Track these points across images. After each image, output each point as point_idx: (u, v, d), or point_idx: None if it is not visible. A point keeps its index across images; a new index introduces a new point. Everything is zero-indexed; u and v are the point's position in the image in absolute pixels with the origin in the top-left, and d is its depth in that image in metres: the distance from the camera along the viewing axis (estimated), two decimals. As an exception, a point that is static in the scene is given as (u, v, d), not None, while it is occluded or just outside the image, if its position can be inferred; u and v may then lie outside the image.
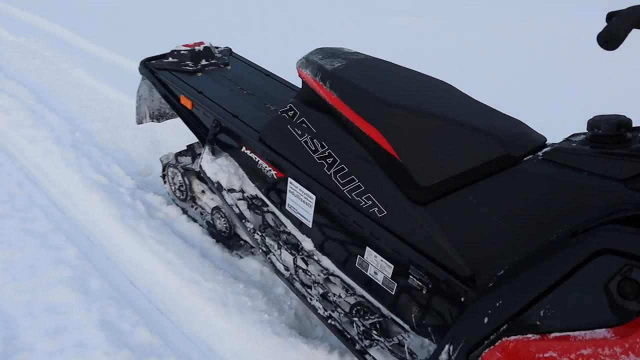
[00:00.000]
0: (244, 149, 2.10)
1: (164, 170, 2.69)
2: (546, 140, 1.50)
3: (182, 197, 2.65)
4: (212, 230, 2.45)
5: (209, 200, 2.54)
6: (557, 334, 1.12)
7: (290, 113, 1.87)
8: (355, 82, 1.69)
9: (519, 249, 1.37)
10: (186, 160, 2.57)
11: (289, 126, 1.86)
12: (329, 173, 1.76)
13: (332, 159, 1.74)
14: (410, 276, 1.61)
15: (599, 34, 1.06)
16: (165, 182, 2.72)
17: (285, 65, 3.46)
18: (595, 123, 1.30)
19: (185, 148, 2.66)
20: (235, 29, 5.26)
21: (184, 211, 2.62)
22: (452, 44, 5.00)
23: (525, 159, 1.41)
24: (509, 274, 1.35)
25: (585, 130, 1.42)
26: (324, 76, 1.75)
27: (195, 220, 2.55)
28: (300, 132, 1.83)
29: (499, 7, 6.32)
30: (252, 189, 2.10)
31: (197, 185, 2.58)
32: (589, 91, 4.00)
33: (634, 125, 1.34)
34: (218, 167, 2.09)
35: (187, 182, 2.58)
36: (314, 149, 1.79)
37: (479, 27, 5.51)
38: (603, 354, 1.03)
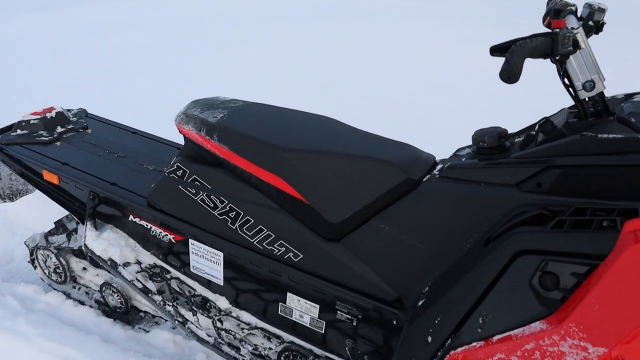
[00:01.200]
0: (131, 217, 1.97)
1: (32, 254, 2.42)
2: (435, 158, 1.62)
3: (60, 279, 2.40)
4: (105, 309, 2.26)
5: (93, 277, 2.34)
6: (500, 336, 1.22)
7: (179, 172, 1.80)
8: (244, 132, 1.68)
9: (437, 264, 1.46)
10: (59, 239, 2.34)
11: (180, 186, 1.79)
12: (234, 227, 1.72)
13: (234, 212, 1.71)
14: (338, 312, 1.63)
15: (500, 72, 1.18)
16: (35, 267, 2.45)
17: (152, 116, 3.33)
18: (479, 137, 1.44)
19: (53, 226, 2.42)
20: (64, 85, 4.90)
21: (67, 295, 2.37)
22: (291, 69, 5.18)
23: (424, 179, 1.51)
24: (434, 289, 1.44)
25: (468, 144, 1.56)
26: (210, 130, 1.71)
27: (82, 303, 2.33)
28: (194, 191, 1.77)
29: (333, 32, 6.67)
30: (149, 258, 1.98)
31: (77, 263, 2.36)
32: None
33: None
34: (106, 243, 1.94)
35: (63, 262, 2.35)
36: (212, 205, 1.74)
37: (323, 53, 5.77)
38: (545, 344, 1.15)
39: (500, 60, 1.24)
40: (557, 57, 1.23)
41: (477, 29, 6.30)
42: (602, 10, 1.42)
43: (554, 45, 1.20)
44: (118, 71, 5.13)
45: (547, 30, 1.31)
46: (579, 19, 1.44)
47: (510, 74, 1.16)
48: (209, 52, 5.67)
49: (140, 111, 3.98)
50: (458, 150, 1.58)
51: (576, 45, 1.22)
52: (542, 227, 1.24)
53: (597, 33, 1.48)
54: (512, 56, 1.16)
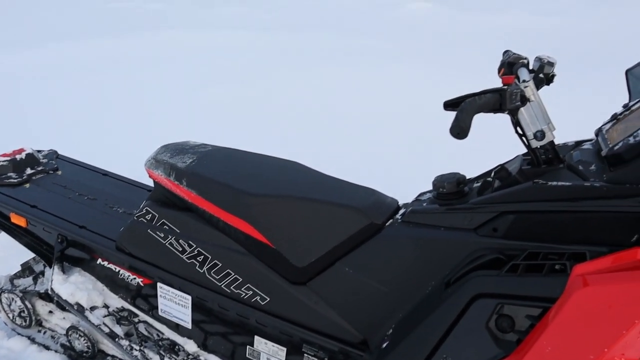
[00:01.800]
0: (99, 260, 1.97)
1: (-4, 298, 2.38)
2: (398, 202, 1.67)
3: (25, 324, 2.36)
4: (72, 354, 2.22)
5: (60, 321, 2.30)
6: None
7: (148, 217, 1.81)
8: (212, 177, 1.71)
9: (400, 306, 1.50)
10: (25, 282, 2.31)
11: (149, 230, 1.80)
12: (202, 271, 1.73)
13: (202, 256, 1.73)
14: (305, 354, 1.65)
15: (450, 128, 1.24)
16: (-1, 311, 2.40)
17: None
18: (439, 183, 1.50)
19: (19, 268, 2.39)
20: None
21: (32, 340, 2.33)
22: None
23: (387, 224, 1.56)
24: (397, 331, 1.47)
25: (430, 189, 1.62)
26: (179, 175, 1.75)
27: (48, 348, 2.29)
28: (163, 235, 1.78)
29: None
30: (116, 302, 1.97)
31: (43, 307, 2.33)
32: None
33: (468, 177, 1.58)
34: (74, 287, 1.93)
35: (29, 305, 2.31)
36: (181, 249, 1.76)
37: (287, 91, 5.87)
38: None
39: None
40: (506, 112, 1.30)
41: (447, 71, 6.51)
42: (551, 64, 1.52)
43: (503, 101, 1.27)
44: (92, 112, 5.15)
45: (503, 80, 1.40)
46: (531, 71, 1.53)
47: (459, 130, 1.23)
48: (182, 92, 5.74)
49: (113, 152, 3.99)
50: (420, 195, 1.64)
51: (524, 100, 1.30)
52: (497, 271, 1.29)
53: (548, 84, 1.57)
54: (461, 113, 1.23)
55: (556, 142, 1.41)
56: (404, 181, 3.08)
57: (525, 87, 1.34)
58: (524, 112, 1.34)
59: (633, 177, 1.20)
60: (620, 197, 1.19)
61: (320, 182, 1.73)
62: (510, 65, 1.55)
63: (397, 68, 6.85)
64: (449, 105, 1.30)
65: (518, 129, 1.38)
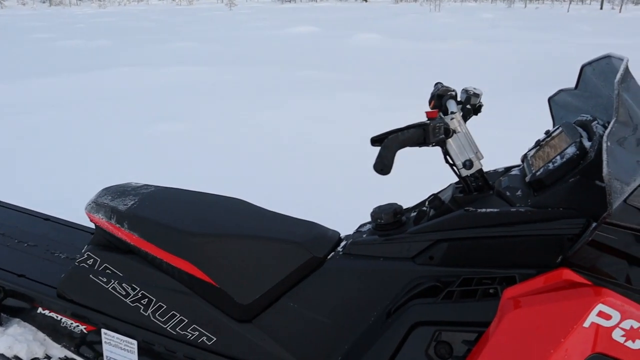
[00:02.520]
0: (40, 309, 1.90)
1: None
2: (340, 234, 1.70)
3: (-37, 381, 2.25)
4: (14, 409, 2.13)
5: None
6: None
7: (90, 261, 1.78)
8: (154, 218, 1.70)
9: (345, 338, 1.51)
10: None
11: (91, 275, 1.77)
12: (146, 314, 1.70)
13: (146, 299, 1.70)
14: None
15: (374, 165, 1.28)
16: None
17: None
18: (376, 214, 1.53)
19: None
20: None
21: (-29, 397, 2.22)
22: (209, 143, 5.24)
23: (329, 257, 1.58)
24: None
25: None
26: (120, 218, 1.73)
27: (-12, 404, 2.18)
28: (105, 279, 1.75)
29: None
30: (59, 351, 1.90)
31: (-18, 362, 2.23)
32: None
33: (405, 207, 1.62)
34: (12, 339, 1.85)
35: (-33, 361, 2.21)
36: (124, 293, 1.73)
37: (226, 131, 5.88)
38: None
39: None
40: (432, 145, 1.35)
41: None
42: (477, 95, 1.59)
43: (426, 135, 1.32)
44: (37, 153, 5.02)
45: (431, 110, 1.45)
46: (459, 102, 1.60)
47: (382, 167, 1.27)
48: (130, 129, 5.68)
49: (55, 193, 3.90)
50: (360, 226, 1.67)
51: (448, 133, 1.35)
52: (435, 299, 1.32)
53: (476, 114, 1.64)
54: (384, 150, 1.27)
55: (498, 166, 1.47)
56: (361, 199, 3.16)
57: (452, 119, 1.40)
58: (452, 143, 1.40)
59: (554, 200, 1.26)
60: (544, 220, 1.25)
61: (262, 218, 1.74)
62: (439, 97, 1.62)
63: (347, 96, 6.98)
64: (375, 141, 1.34)
65: (448, 158, 1.43)
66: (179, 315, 1.67)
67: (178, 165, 4.57)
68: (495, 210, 1.31)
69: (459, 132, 1.40)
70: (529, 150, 1.51)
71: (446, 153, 1.42)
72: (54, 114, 6.32)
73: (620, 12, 28.52)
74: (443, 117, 1.38)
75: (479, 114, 1.64)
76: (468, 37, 14.10)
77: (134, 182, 1.96)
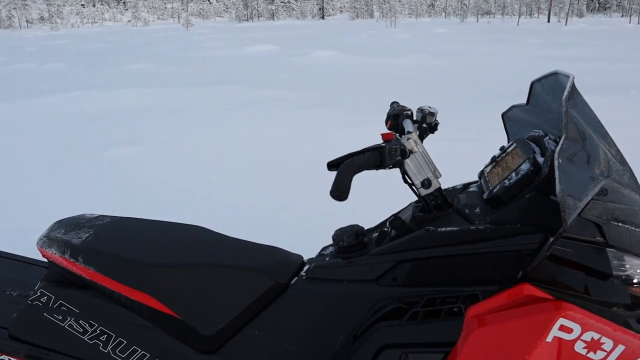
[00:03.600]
0: (-9, 352, 1.81)
1: None
2: (303, 258, 1.68)
3: None
4: None
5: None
6: None
7: (43, 299, 1.70)
8: (110, 251, 1.65)
9: None
10: None
11: (45, 314, 1.69)
12: (106, 351, 1.64)
13: (105, 335, 1.64)
14: None
15: (330, 191, 1.27)
16: None
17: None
18: (338, 237, 1.52)
19: None
20: None
21: None
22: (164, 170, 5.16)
23: (292, 282, 1.56)
24: None
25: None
26: (74, 252, 1.66)
27: None
28: (61, 317, 1.68)
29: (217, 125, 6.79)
30: (13, 396, 1.81)
31: None
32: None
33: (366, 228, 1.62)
34: (-38, 385, 1.76)
35: None
36: (82, 330, 1.66)
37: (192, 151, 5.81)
38: None
39: None
40: (389, 167, 1.35)
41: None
42: (433, 114, 1.61)
43: (383, 158, 1.32)
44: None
45: (387, 131, 1.46)
46: (415, 122, 1.61)
47: (339, 193, 1.26)
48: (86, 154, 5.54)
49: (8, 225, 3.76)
50: (323, 249, 1.66)
51: (405, 154, 1.36)
52: (400, 321, 1.32)
53: (432, 132, 1.66)
54: (339, 176, 1.27)
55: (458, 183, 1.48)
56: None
57: (408, 139, 1.41)
58: (409, 163, 1.40)
59: (511, 217, 1.28)
60: (503, 237, 1.27)
61: (222, 245, 1.71)
62: (395, 117, 1.63)
63: (306, 114, 7.00)
64: (331, 165, 1.33)
65: (406, 178, 1.44)
66: (140, 350, 1.62)
67: (131, 192, 4.47)
68: (455, 228, 1.32)
69: (415, 152, 1.41)
70: (486, 167, 1.53)
71: (404, 173, 1.42)
72: (3, 141, 6.12)
73: (566, 24, 29.66)
74: (399, 138, 1.38)
75: (435, 132, 1.66)
76: (424, 52, 14.40)
77: (89, 214, 1.90)
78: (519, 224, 1.27)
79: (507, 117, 1.72)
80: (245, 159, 5.22)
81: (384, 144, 1.32)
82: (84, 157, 5.50)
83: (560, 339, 1.13)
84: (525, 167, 1.32)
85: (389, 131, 1.35)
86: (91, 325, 1.65)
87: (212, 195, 4.27)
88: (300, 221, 3.70)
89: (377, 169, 1.34)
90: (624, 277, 1.29)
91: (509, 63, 11.84)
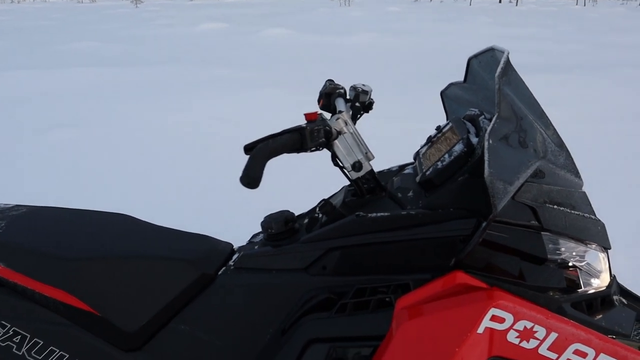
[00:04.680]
0: None
1: None
2: (233, 246, 1.59)
3: None
4: None
5: None
6: None
7: None
8: (22, 244, 1.51)
9: (243, 359, 1.40)
10: None
11: None
12: (20, 353, 1.51)
13: (19, 336, 1.51)
14: None
15: (240, 177, 1.16)
16: None
17: None
18: (267, 224, 1.43)
19: None
20: None
21: None
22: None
23: (220, 272, 1.47)
24: None
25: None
26: None
27: None
28: None
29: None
30: None
31: None
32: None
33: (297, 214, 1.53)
34: None
35: None
36: (-9, 331, 1.52)
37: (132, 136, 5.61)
38: None
39: None
40: (311, 150, 1.26)
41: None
42: (366, 92, 1.52)
43: (303, 140, 1.22)
44: None
45: (320, 111, 1.36)
46: (348, 100, 1.53)
47: (249, 180, 1.15)
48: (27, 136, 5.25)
49: None
50: (253, 236, 1.57)
51: (330, 135, 1.27)
52: (329, 313, 1.24)
53: (367, 111, 1.58)
54: (251, 160, 1.16)
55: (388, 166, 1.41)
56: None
57: (337, 119, 1.32)
58: (338, 145, 1.32)
59: (444, 201, 1.21)
60: (435, 222, 1.20)
61: (147, 235, 1.60)
62: (327, 95, 1.54)
63: (254, 94, 6.84)
64: (248, 149, 1.22)
65: (337, 161, 1.36)
66: (58, 350, 1.50)
67: (69, 175, 4.26)
68: (386, 214, 1.25)
69: (345, 132, 1.32)
70: (421, 147, 1.47)
71: (334, 155, 1.34)
72: None
73: (516, 5, 30.17)
74: (325, 118, 1.29)
75: (370, 111, 1.58)
76: (376, 30, 14.34)
77: (2, 204, 1.74)
78: (451, 209, 1.21)
79: (446, 96, 1.66)
80: (171, 144, 5.02)
81: (305, 125, 1.22)
82: (22, 138, 5.22)
83: (492, 329, 1.08)
84: (458, 148, 1.26)
85: (314, 111, 1.25)
86: (3, 326, 1.52)
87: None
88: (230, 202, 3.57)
89: (297, 152, 1.24)
90: (559, 260, 1.26)
91: (459, 41, 11.92)
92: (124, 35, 14.97)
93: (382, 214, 1.25)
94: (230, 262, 1.48)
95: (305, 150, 1.23)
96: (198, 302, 1.45)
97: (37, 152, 4.84)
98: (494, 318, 1.07)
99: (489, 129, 1.03)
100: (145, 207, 3.61)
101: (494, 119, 1.06)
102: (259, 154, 1.16)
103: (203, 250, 1.51)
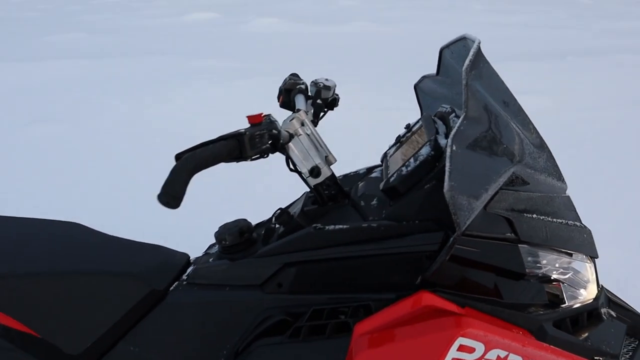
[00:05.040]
0: None
1: None
2: (189, 257, 1.45)
3: None
4: None
5: None
6: None
7: None
8: None
9: None
10: None
11: None
12: None
13: None
14: None
15: (158, 194, 0.98)
16: None
17: None
18: (220, 235, 1.29)
19: None
20: None
21: None
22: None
23: (172, 287, 1.33)
24: None
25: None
26: None
27: None
28: None
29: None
30: None
31: None
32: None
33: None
34: None
35: None
36: None
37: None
38: None
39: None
40: (251, 159, 1.10)
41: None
42: (329, 88, 1.38)
43: (242, 147, 1.05)
44: None
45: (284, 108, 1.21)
46: (309, 97, 1.39)
47: (168, 199, 0.96)
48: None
49: None
50: (210, 246, 1.43)
51: (277, 140, 1.11)
52: (282, 337, 1.11)
53: (331, 109, 1.43)
54: (172, 175, 0.98)
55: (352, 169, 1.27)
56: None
57: (291, 120, 1.18)
58: (293, 148, 1.17)
59: (409, 212, 1.07)
60: (398, 236, 1.06)
61: (96, 247, 1.46)
62: (287, 92, 1.39)
63: (245, 84, 6.68)
64: (179, 158, 1.06)
65: (293, 166, 1.21)
66: None
67: (49, 173, 4.11)
68: (345, 226, 1.11)
69: (300, 134, 1.18)
70: (389, 148, 1.33)
71: (289, 159, 1.20)
72: None
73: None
74: (273, 120, 1.14)
75: (334, 109, 1.44)
76: (368, 19, 14.13)
77: None
78: (417, 221, 1.07)
79: (420, 89, 1.51)
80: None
81: (244, 130, 1.06)
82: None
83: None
84: (425, 151, 1.11)
85: (259, 112, 1.10)
86: None
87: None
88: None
89: (237, 161, 1.08)
90: (540, 274, 1.13)
91: (453, 29, 11.74)
92: (112, 26, 14.70)
93: (340, 226, 1.12)
94: (184, 276, 1.35)
95: (245, 159, 1.07)
96: (148, 321, 1.31)
97: (12, 148, 4.68)
98: (462, 348, 0.94)
99: (452, 132, 0.89)
100: (119, 207, 3.47)
101: (459, 121, 0.92)
102: (183, 166, 0.98)
103: (155, 263, 1.38)
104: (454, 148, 0.87)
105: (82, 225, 1.56)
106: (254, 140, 1.04)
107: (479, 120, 0.97)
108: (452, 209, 0.84)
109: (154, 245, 1.47)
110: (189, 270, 1.36)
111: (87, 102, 6.17)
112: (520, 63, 7.14)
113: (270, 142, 1.07)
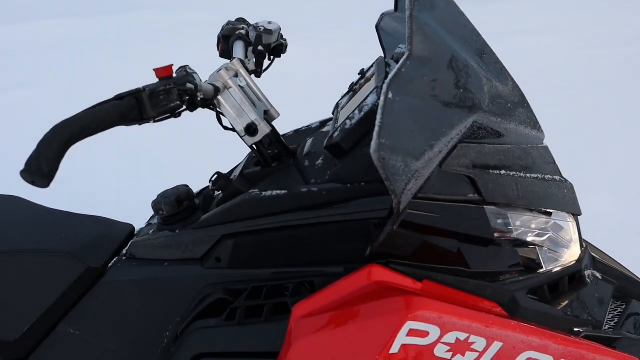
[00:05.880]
0: None
1: None
2: (133, 228, 1.32)
3: None
4: None
5: None
6: None
7: None
8: None
9: None
10: None
11: None
12: None
13: None
14: None
15: (21, 172, 0.79)
16: None
17: None
18: (158, 205, 1.15)
19: None
20: None
21: None
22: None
23: (111, 263, 1.21)
24: None
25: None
26: None
27: None
28: None
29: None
30: None
31: None
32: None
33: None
34: None
35: None
36: None
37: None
38: None
39: None
40: (154, 120, 0.93)
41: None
42: (270, 32, 1.20)
43: (141, 107, 0.86)
44: None
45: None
46: (250, 44, 1.21)
47: (33, 177, 0.78)
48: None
49: None
50: (152, 217, 1.30)
51: (195, 95, 0.93)
52: (217, 322, 0.98)
53: (278, 56, 1.26)
54: (38, 149, 0.78)
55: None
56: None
57: (220, 70, 1.01)
58: (224, 104, 1.01)
59: (353, 173, 0.92)
60: (342, 201, 0.91)
61: (31, 221, 1.34)
62: (226, 39, 1.22)
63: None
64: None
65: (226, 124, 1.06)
66: None
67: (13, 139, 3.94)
68: (282, 191, 0.96)
69: (230, 87, 1.01)
70: (342, 98, 1.16)
71: (220, 115, 1.04)
72: None
73: None
74: (190, 72, 0.96)
75: (282, 56, 1.26)
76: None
77: None
78: (363, 183, 0.92)
79: (382, 30, 1.32)
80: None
81: (142, 88, 0.86)
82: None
83: (412, 345, 0.81)
84: (371, 100, 0.94)
85: (169, 64, 0.92)
86: None
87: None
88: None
89: (139, 124, 0.90)
90: (512, 238, 0.98)
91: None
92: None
93: (277, 191, 0.97)
94: (124, 251, 1.22)
95: (147, 121, 0.88)
96: (86, 301, 1.20)
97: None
98: (412, 332, 0.80)
99: (390, 76, 0.72)
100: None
101: (401, 61, 0.75)
102: (53, 137, 0.79)
103: (93, 237, 1.25)
104: (390, 96, 0.69)
105: (19, 198, 1.44)
106: (158, 98, 0.86)
107: (426, 61, 0.79)
108: (382, 173, 0.68)
109: (94, 217, 1.34)
110: (131, 242, 1.24)
111: (65, 65, 5.93)
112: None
113: (185, 98, 0.90)
